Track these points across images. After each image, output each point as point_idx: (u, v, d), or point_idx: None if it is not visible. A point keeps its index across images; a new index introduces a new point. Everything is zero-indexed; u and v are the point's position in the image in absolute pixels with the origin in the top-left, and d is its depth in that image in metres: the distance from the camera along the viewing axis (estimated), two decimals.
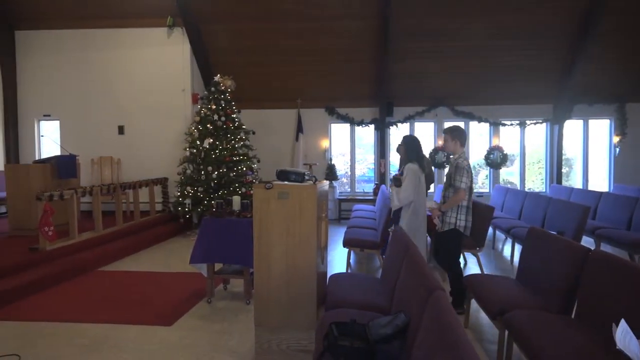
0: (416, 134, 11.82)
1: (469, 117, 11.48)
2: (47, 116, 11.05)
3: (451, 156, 5.14)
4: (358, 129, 11.91)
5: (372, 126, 11.76)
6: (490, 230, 7.92)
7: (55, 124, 11.08)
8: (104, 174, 10.53)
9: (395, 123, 11.62)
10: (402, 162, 5.94)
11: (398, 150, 5.89)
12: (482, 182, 12.61)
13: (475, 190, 11.40)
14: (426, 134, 11.96)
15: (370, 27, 10.33)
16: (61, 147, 9.94)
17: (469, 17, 9.97)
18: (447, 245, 5.06)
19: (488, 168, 11.88)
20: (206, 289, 5.44)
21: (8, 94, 10.76)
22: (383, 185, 9.77)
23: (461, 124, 11.78)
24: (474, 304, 4.54)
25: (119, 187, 8.51)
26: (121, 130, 10.81)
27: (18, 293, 5.47)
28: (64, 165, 8.29)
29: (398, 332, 2.68)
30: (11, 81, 10.81)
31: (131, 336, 4.44)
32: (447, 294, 2.38)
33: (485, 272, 6.32)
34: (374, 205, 9.67)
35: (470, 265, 7.15)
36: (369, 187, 12.12)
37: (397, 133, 11.88)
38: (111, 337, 4.42)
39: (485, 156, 11.62)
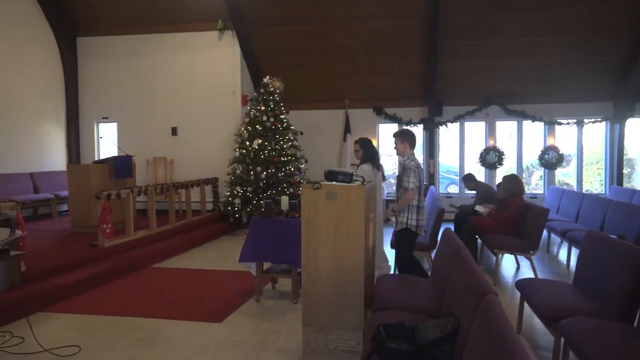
0: (466, 134, 11.59)
1: (522, 115, 11.11)
2: (106, 118, 11.56)
3: (401, 158, 5.22)
4: (406, 128, 11.76)
5: (420, 126, 11.60)
6: (545, 233, 7.63)
7: (113, 126, 11.58)
8: (158, 173, 10.90)
9: (444, 123, 11.41)
10: (360, 163, 6.12)
11: (355, 152, 6.00)
12: (536, 184, 12.19)
13: (528, 192, 11.04)
14: (477, 134, 11.68)
15: (419, 26, 10.19)
16: (118, 148, 10.37)
17: (521, 12, 9.66)
18: (402, 245, 5.16)
19: (542, 169, 11.46)
20: (255, 288, 5.52)
21: (70, 98, 11.34)
22: (432, 186, 9.61)
23: (514, 123, 11.46)
24: (527, 308, 4.40)
25: (171, 187, 8.78)
26: (174, 131, 11.16)
27: (79, 287, 5.74)
28: (121, 166, 8.65)
29: (447, 336, 2.63)
30: (73, 85, 11.38)
31: (183, 331, 4.57)
32: (499, 298, 2.31)
33: (539, 277, 6.10)
34: None
35: (524, 269, 6.92)
36: None
37: (447, 133, 11.67)
38: (164, 331, 4.56)
39: (539, 156, 11.22)
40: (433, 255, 6.15)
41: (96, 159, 10.94)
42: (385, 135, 12.06)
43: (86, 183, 8.02)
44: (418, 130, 11.73)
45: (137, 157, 10.04)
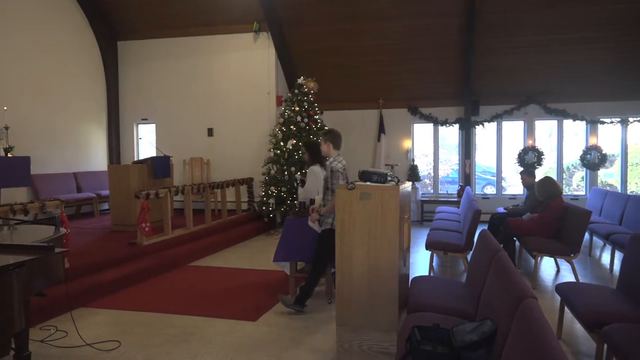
0: (504, 134, 11.34)
1: (563, 115, 10.80)
2: (145, 120, 11.87)
3: (327, 160, 5.10)
4: (442, 128, 11.61)
5: (456, 126, 11.42)
6: (587, 235, 7.39)
7: (152, 127, 11.87)
8: (195, 174, 11.11)
9: (481, 122, 11.19)
10: (307, 165, 6.13)
11: (303, 155, 5.87)
12: (577, 185, 11.82)
13: (569, 193, 10.72)
14: (515, 134, 11.42)
15: (455, 24, 10.03)
16: (157, 148, 10.62)
17: (560, 9, 9.39)
18: (325, 245, 4.92)
19: (584, 169, 11.10)
20: (289, 287, 5.55)
21: (111, 100, 11.69)
22: (468, 187, 9.45)
23: (553, 123, 11.15)
24: (567, 313, 4.27)
25: (208, 187, 8.93)
26: (210, 132, 11.34)
27: (118, 284, 5.91)
28: (159, 166, 8.85)
29: (484, 340, 2.58)
30: (114, 88, 11.73)
31: (218, 329, 4.64)
32: (538, 302, 2.25)
33: (580, 281, 5.91)
34: (458, 208, 9.37)
35: (564, 272, 6.72)
36: (453, 189, 11.78)
37: (483, 133, 11.45)
38: (200, 328, 4.65)
39: (581, 157, 10.86)
40: (469, 257, 6.06)
41: (135, 159, 11.23)
42: (419, 136, 11.94)
43: (126, 183, 8.25)
44: (454, 130, 11.56)
45: (175, 158, 10.24)
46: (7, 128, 7.73)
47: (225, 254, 8.12)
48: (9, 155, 7.66)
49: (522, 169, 11.06)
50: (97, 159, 11.40)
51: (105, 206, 10.28)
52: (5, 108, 7.80)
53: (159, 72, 11.56)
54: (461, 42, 10.27)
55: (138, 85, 11.73)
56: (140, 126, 12.08)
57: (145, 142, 11.67)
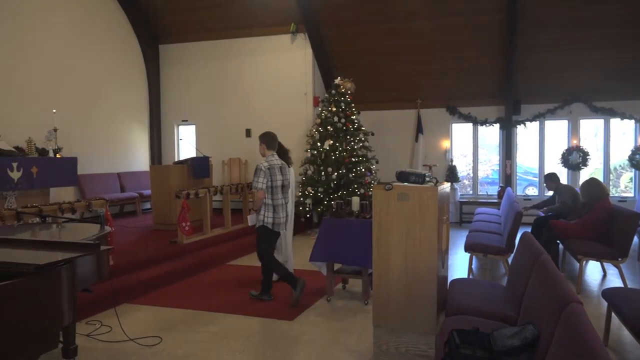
0: (546, 133, 11.02)
1: (610, 113, 10.39)
2: (185, 121, 12.13)
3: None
4: (481, 128, 11.38)
5: (496, 125, 11.17)
6: (636, 239, 7.08)
7: (192, 128, 12.12)
8: (233, 174, 11.27)
9: (522, 122, 10.90)
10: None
11: (260, 147, 5.87)
12: (625, 186, 11.36)
13: (617, 194, 10.33)
14: (558, 133, 11.07)
15: (495, 21, 9.81)
16: (196, 149, 10.84)
17: (604, 3, 9.03)
18: (259, 240, 5.41)
19: (633, 170, 10.65)
20: (326, 287, 5.56)
21: (153, 102, 12.01)
22: (509, 188, 9.22)
23: (600, 122, 10.76)
24: (614, 320, 4.10)
25: (246, 187, 9.05)
26: (248, 133, 11.49)
27: (160, 281, 6.07)
28: (199, 166, 9.04)
29: (526, 346, 2.51)
30: (156, 91, 12.05)
31: (256, 327, 4.69)
32: (584, 308, 2.17)
33: (629, 286, 5.68)
34: (499, 209, 9.17)
35: (611, 277, 6.46)
36: (493, 190, 11.52)
37: (525, 132, 11.16)
38: (238, 327, 4.71)
39: (629, 157, 10.42)
40: (510, 260, 5.91)
41: (176, 159, 11.49)
42: (458, 136, 11.74)
43: (167, 183, 8.45)
44: (494, 130, 11.30)
45: (214, 158, 10.43)
46: (55, 130, 8.05)
47: None
48: (58, 156, 7.98)
49: (566, 169, 10.76)
50: (140, 160, 11.73)
51: (147, 205, 10.57)
52: (54, 111, 8.13)
53: (199, 74, 11.79)
54: (502, 40, 10.04)
55: (178, 87, 12.01)
56: (181, 127, 12.35)
57: (186, 143, 11.93)
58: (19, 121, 8.28)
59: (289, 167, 5.81)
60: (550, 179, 7.86)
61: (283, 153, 5.97)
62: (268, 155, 5.44)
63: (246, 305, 5.35)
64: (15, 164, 7.01)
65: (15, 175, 7.01)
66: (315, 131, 10.05)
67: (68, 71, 9.63)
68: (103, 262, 3.35)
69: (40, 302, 2.41)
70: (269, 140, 5.52)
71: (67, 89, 9.58)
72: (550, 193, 8.05)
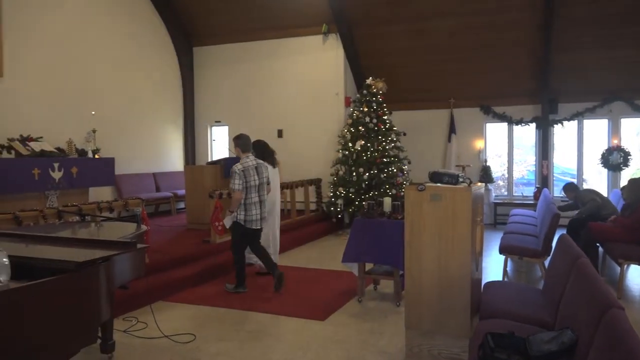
0: (585, 133, 10.69)
1: None
2: (218, 122, 12.31)
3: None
4: (516, 128, 11.13)
5: (532, 125, 10.90)
6: None
7: (225, 129, 12.29)
8: (265, 174, 11.34)
9: (560, 121, 10.60)
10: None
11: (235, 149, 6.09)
12: None
13: None
14: (598, 133, 10.73)
15: (531, 19, 9.59)
16: (229, 150, 10.97)
17: None
18: (233, 236, 5.83)
19: None
20: (357, 288, 5.55)
21: (187, 104, 12.24)
22: (546, 189, 9.00)
23: None
24: None
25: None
26: (280, 134, 11.57)
27: (193, 279, 6.17)
28: (232, 166, 9.11)
29: (563, 351, 2.45)
30: (190, 92, 12.27)
31: (287, 327, 4.72)
32: (625, 313, 2.10)
33: None
34: (535, 211, 8.95)
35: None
36: (529, 191, 11.26)
37: (562, 132, 10.85)
38: (271, 326, 4.75)
39: None
40: (546, 263, 5.76)
41: (209, 160, 11.66)
42: (493, 135, 11.52)
43: (200, 183, 8.59)
44: (530, 130, 11.04)
45: None
46: (94, 131, 8.29)
47: (293, 254, 8.24)
48: (96, 156, 8.22)
49: (605, 170, 10.41)
50: (174, 160, 11.96)
51: (182, 205, 10.76)
52: (93, 113, 8.38)
53: (231, 76, 11.94)
54: (538, 38, 9.80)
55: (212, 89, 12.19)
56: (214, 128, 12.54)
57: (219, 144, 12.10)
58: (60, 123, 8.57)
59: (274, 167, 6.29)
60: (570, 189, 7.67)
61: (269, 154, 6.39)
62: (243, 157, 5.72)
63: (278, 304, 5.39)
64: (56, 165, 7.26)
65: (57, 175, 7.26)
66: (347, 131, 10.04)
67: (107, 74, 9.91)
68: (139, 260, 3.43)
69: (80, 298, 2.49)
70: (243, 143, 5.79)
71: (105, 91, 9.85)
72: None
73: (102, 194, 8.94)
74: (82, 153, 8.06)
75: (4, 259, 2.17)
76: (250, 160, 5.72)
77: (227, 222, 5.91)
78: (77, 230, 4.44)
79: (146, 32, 11.05)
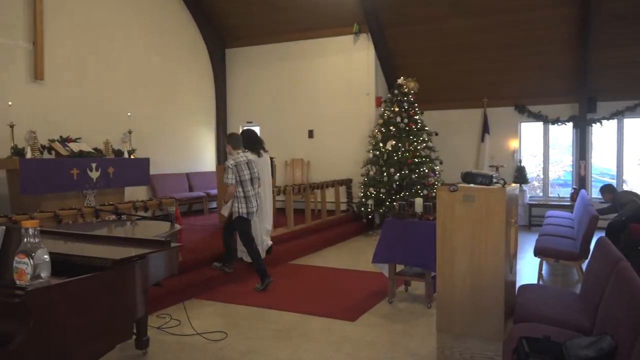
0: (625, 132, 10.34)
1: None
2: (250, 122, 12.43)
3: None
4: (552, 127, 10.85)
5: (569, 124, 10.61)
6: None
7: (256, 130, 12.37)
8: (296, 174, 11.42)
9: (599, 120, 10.28)
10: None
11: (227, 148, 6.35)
12: None
13: None
14: (639, 132, 10.36)
15: (568, 15, 9.33)
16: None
17: None
18: (239, 230, 6.13)
19: None
20: (388, 289, 5.51)
21: (220, 104, 12.41)
22: (583, 190, 8.74)
23: None
24: None
25: (308, 187, 9.15)
26: (311, 134, 11.60)
27: (225, 278, 6.25)
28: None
29: (602, 357, 2.37)
30: (222, 93, 12.44)
31: (318, 327, 4.73)
32: None
33: None
34: (571, 212, 8.71)
35: None
36: (565, 192, 10.96)
37: (601, 131, 10.52)
38: (300, 326, 4.77)
39: None
40: (584, 266, 5.60)
41: None
42: (527, 135, 11.26)
43: None
44: (566, 129, 10.74)
45: (277, 159, 10.58)
46: (130, 132, 8.48)
47: (324, 254, 8.25)
48: (132, 157, 8.40)
49: None
50: (207, 160, 12.14)
51: (214, 204, 10.91)
52: (129, 114, 8.58)
53: (263, 76, 12.04)
54: (575, 34, 9.53)
55: (244, 89, 12.32)
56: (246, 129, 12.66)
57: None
58: (98, 124, 8.81)
59: (259, 156, 6.55)
60: (608, 191, 7.43)
61: (258, 143, 6.74)
62: (234, 154, 6.02)
63: (308, 304, 5.40)
64: (94, 165, 7.46)
65: (94, 175, 7.45)
66: (378, 132, 9.99)
67: (142, 76, 10.15)
68: (173, 258, 3.49)
69: (116, 294, 2.56)
70: (233, 141, 6.13)
71: (141, 93, 10.09)
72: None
73: (137, 193, 9.14)
74: (118, 153, 8.25)
75: (45, 256, 2.24)
76: (241, 156, 6.03)
77: (225, 210, 6.35)
78: (114, 229, 4.55)
79: (180, 35, 11.26)
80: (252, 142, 6.61)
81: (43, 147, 7.33)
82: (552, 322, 3.23)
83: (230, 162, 5.92)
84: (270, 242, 7.00)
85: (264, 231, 6.87)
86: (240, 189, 5.92)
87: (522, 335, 2.68)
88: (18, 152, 6.83)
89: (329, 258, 7.92)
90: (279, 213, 9.38)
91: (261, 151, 6.72)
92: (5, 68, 7.73)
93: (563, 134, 11.01)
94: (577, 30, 9.45)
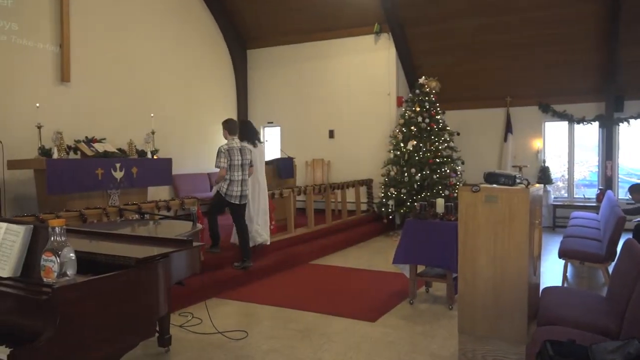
0: None
1: None
2: (270, 123, 12.49)
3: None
4: (578, 127, 10.64)
5: (595, 124, 10.38)
6: None
7: (277, 130, 12.46)
8: (316, 175, 11.44)
9: (626, 119, 10.04)
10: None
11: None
12: None
13: None
14: None
15: (594, 11, 9.14)
16: (281, 150, 11.11)
17: None
18: (231, 211, 6.42)
19: None
20: (408, 290, 5.48)
21: (241, 105, 12.50)
22: (610, 191, 8.55)
23: None
24: None
25: (328, 187, 9.16)
26: (331, 134, 11.61)
27: (246, 278, 6.29)
28: (284, 167, 9.27)
29: None
30: (243, 94, 12.52)
31: (338, 327, 4.72)
32: None
33: None
34: (597, 213, 8.52)
35: None
36: (591, 193, 10.73)
37: (628, 131, 10.27)
38: (321, 326, 4.77)
39: None
40: (610, 268, 5.48)
41: None
42: (552, 135, 11.07)
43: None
44: (592, 129, 10.52)
45: (298, 159, 10.63)
46: (153, 133, 8.60)
47: (344, 254, 8.24)
48: (155, 157, 8.52)
49: None
50: None
51: None
52: (152, 115, 8.70)
53: (284, 77, 12.09)
54: (602, 32, 9.32)
55: (265, 90, 12.38)
56: (267, 129, 12.73)
57: (271, 145, 12.27)
58: (122, 125, 8.96)
59: (255, 146, 6.74)
60: (636, 191, 7.24)
61: (253, 134, 6.91)
62: (229, 139, 6.30)
63: (328, 304, 5.40)
64: (118, 165, 7.58)
65: (118, 175, 7.58)
66: (399, 132, 9.94)
67: (165, 78, 10.28)
68: (195, 258, 3.53)
69: (140, 292, 2.59)
70: (230, 126, 6.40)
71: (163, 94, 10.21)
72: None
73: (159, 193, 9.26)
74: (141, 154, 8.37)
75: (71, 254, 2.29)
76: (235, 142, 6.30)
77: (214, 191, 6.63)
78: (137, 228, 4.62)
79: (202, 37, 11.37)
80: (248, 133, 6.85)
81: (69, 147, 7.48)
82: (577, 325, 3.17)
83: (223, 147, 6.23)
84: (262, 240, 6.99)
85: (258, 226, 6.99)
86: (230, 173, 6.20)
87: (546, 339, 2.63)
88: (45, 152, 6.99)
89: (349, 258, 7.91)
90: (300, 213, 9.40)
91: (256, 141, 6.95)
92: (33, 71, 7.92)
93: (589, 133, 10.79)
94: (604, 27, 9.25)
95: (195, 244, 3.31)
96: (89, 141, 7.81)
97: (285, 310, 5.25)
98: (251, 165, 6.49)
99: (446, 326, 4.67)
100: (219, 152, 6.20)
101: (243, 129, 6.79)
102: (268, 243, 7.06)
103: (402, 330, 4.62)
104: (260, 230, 6.91)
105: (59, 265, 2.23)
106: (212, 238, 6.49)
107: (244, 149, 6.37)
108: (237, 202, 6.29)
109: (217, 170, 6.27)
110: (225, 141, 6.37)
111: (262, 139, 7.31)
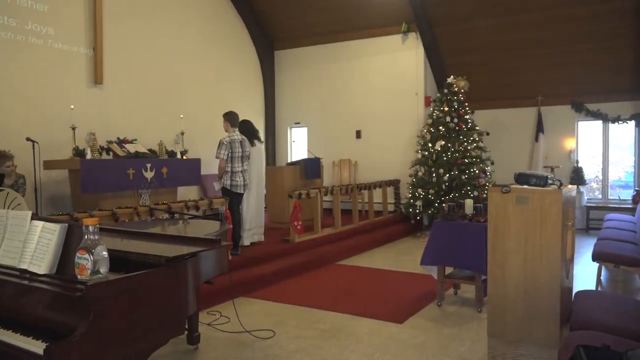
0: None
1: None
2: (297, 124, 12.54)
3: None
4: (613, 126, 10.34)
5: (631, 123, 10.07)
6: None
7: (304, 130, 12.50)
8: (343, 175, 11.42)
9: None
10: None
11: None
12: None
13: None
14: None
15: (629, 8, 8.86)
16: (308, 151, 11.14)
17: None
18: (229, 201, 6.46)
19: None
20: (436, 292, 5.42)
21: (268, 106, 12.59)
22: None
23: None
24: None
25: (355, 188, 9.13)
26: (358, 134, 11.58)
27: (273, 277, 6.33)
28: (310, 167, 9.30)
29: None
30: (271, 95, 12.61)
31: (365, 328, 4.71)
32: None
33: None
34: (633, 215, 8.26)
35: None
36: (627, 194, 10.42)
37: None
38: (347, 326, 4.76)
39: None
40: None
41: (289, 161, 11.91)
42: (585, 134, 10.79)
43: (281, 183, 8.81)
44: (628, 128, 10.21)
45: (325, 159, 10.64)
46: (182, 133, 8.73)
47: (371, 255, 8.21)
48: (184, 157, 8.65)
49: None
50: None
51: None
52: (181, 116, 8.84)
53: (311, 78, 12.12)
54: (636, 27, 9.03)
55: (291, 91, 12.44)
56: (294, 130, 12.79)
57: (298, 145, 12.31)
58: (152, 126, 9.13)
59: (256, 143, 7.10)
60: None
61: (253, 132, 7.21)
62: (230, 132, 6.53)
63: (355, 304, 5.39)
64: (149, 165, 7.73)
65: (149, 175, 7.72)
66: (427, 132, 9.84)
67: (194, 79, 10.42)
68: (223, 257, 3.57)
69: (170, 290, 2.63)
70: (231, 119, 6.65)
71: (193, 95, 10.36)
72: None
73: (189, 193, 9.41)
74: (171, 154, 8.51)
75: (104, 252, 2.34)
76: (236, 135, 6.55)
77: (217, 185, 6.73)
78: (167, 227, 4.70)
79: (230, 38, 11.50)
80: (248, 133, 7.04)
81: (102, 148, 7.66)
82: (611, 330, 3.08)
83: (225, 139, 6.47)
84: (257, 239, 7.26)
85: (253, 222, 7.20)
86: (230, 165, 6.46)
87: (579, 344, 2.56)
88: (79, 153, 7.18)
89: (376, 259, 7.87)
90: (326, 213, 9.42)
91: (255, 141, 7.15)
92: (68, 73, 8.15)
93: (624, 132, 10.47)
94: (637, 24, 8.96)
95: (223, 243, 3.34)
96: (121, 142, 7.99)
97: (312, 310, 5.26)
98: (249, 157, 6.78)
99: (475, 329, 4.61)
100: (221, 143, 6.46)
101: (243, 129, 6.94)
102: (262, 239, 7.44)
103: (430, 333, 4.57)
104: (250, 233, 7.15)
105: (93, 263, 2.29)
106: (233, 239, 6.44)
107: (244, 141, 6.65)
108: (242, 192, 6.64)
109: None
110: (227, 133, 6.63)
111: (261, 139, 7.64)
